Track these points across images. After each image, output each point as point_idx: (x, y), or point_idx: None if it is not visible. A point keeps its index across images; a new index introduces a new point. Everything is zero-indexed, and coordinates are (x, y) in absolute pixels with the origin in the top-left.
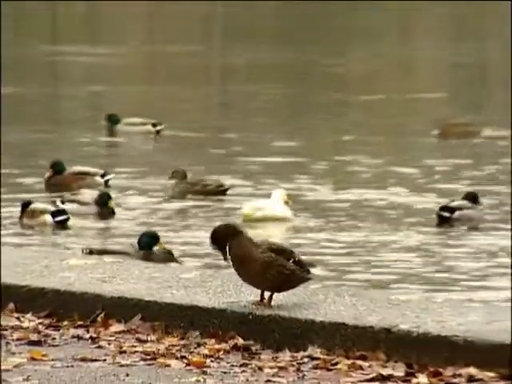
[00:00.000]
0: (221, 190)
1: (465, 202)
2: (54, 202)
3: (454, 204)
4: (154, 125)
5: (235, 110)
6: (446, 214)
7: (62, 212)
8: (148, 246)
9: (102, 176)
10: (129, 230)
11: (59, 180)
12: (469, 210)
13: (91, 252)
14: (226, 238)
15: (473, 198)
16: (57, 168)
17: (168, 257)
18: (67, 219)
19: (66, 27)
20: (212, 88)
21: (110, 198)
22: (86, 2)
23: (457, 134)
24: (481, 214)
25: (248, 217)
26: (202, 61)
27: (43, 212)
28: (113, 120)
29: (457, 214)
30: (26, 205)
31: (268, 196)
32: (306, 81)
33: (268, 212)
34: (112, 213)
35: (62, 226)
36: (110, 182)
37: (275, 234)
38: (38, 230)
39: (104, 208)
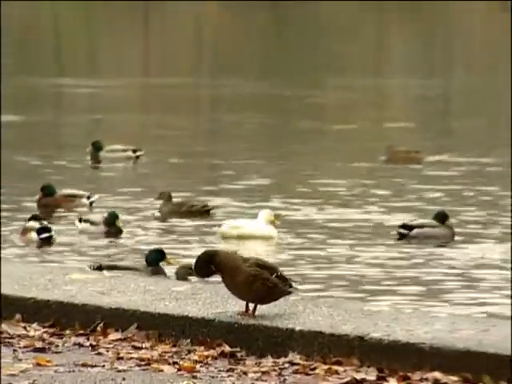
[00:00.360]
0: (206, 210)
1: (427, 221)
2: (77, 221)
3: (414, 222)
4: (134, 151)
5: (222, 137)
6: (404, 231)
7: (47, 229)
8: (155, 262)
9: (88, 198)
10: (121, 246)
11: (50, 201)
12: (429, 228)
13: (100, 267)
14: (209, 264)
15: (441, 217)
16: (46, 191)
17: (190, 272)
18: (51, 237)
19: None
20: (201, 117)
21: (117, 217)
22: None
23: (402, 159)
24: (443, 233)
25: (225, 235)
26: (193, 92)
27: (31, 229)
28: (96, 147)
29: (414, 231)
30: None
31: (254, 215)
32: (286, 110)
33: (245, 230)
34: (119, 231)
35: (47, 242)
36: (95, 203)
37: (258, 250)
38: (26, 246)
39: (112, 227)
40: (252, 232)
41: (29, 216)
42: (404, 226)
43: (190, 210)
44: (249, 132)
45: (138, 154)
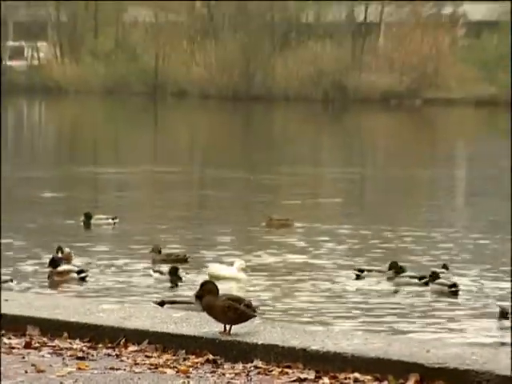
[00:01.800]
0: (185, 259)
1: (378, 267)
2: (155, 270)
3: (364, 267)
4: (113, 218)
5: (205, 206)
6: (357, 273)
7: (82, 271)
8: None
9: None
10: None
11: (64, 256)
12: (375, 272)
13: (162, 302)
14: (206, 291)
15: (395, 265)
16: (60, 250)
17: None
18: (86, 276)
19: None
20: (192, 193)
21: (178, 269)
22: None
23: (276, 225)
24: (386, 276)
25: (211, 275)
26: (187, 176)
27: (69, 271)
28: (87, 216)
29: (364, 273)
30: (53, 264)
31: (228, 263)
32: (250, 189)
33: (223, 273)
34: (180, 279)
35: (84, 280)
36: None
37: (234, 288)
38: (67, 284)
39: (174, 276)
40: (229, 274)
41: (49, 261)
42: (358, 270)
43: (175, 259)
44: (225, 203)
45: (115, 221)
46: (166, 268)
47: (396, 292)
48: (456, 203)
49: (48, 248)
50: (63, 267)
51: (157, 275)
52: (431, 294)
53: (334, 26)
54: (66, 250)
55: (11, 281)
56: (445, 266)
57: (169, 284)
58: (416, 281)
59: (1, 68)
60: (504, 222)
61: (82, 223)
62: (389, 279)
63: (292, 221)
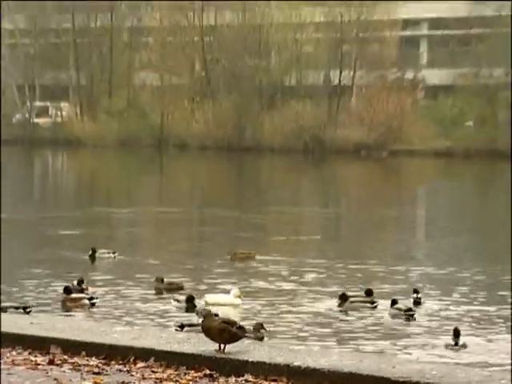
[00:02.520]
0: (182, 287)
1: (360, 293)
2: (175, 300)
3: (349, 294)
4: (113, 252)
5: (200, 241)
6: (339, 300)
7: (92, 298)
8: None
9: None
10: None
11: (85, 287)
12: (359, 297)
13: (182, 326)
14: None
15: (369, 291)
16: (82, 282)
17: (259, 325)
18: (95, 303)
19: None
20: (190, 230)
21: (194, 298)
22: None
23: (240, 258)
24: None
25: (211, 303)
26: (186, 216)
27: (81, 298)
28: (93, 251)
29: (348, 300)
30: (67, 291)
31: (223, 291)
32: (239, 226)
33: (221, 300)
34: (194, 306)
35: (93, 305)
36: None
37: (230, 313)
38: (80, 309)
39: (189, 303)
40: (226, 301)
41: (63, 288)
42: (341, 296)
43: (175, 288)
44: (219, 239)
45: (115, 254)
46: (183, 297)
47: (363, 316)
48: (418, 239)
49: (60, 277)
50: (76, 294)
51: (175, 303)
52: (392, 317)
53: (313, 89)
54: (80, 278)
55: (24, 309)
56: (416, 291)
57: (169, 308)
58: (388, 306)
59: (0, 120)
60: (460, 255)
61: (88, 257)
62: (363, 305)
63: (255, 253)
